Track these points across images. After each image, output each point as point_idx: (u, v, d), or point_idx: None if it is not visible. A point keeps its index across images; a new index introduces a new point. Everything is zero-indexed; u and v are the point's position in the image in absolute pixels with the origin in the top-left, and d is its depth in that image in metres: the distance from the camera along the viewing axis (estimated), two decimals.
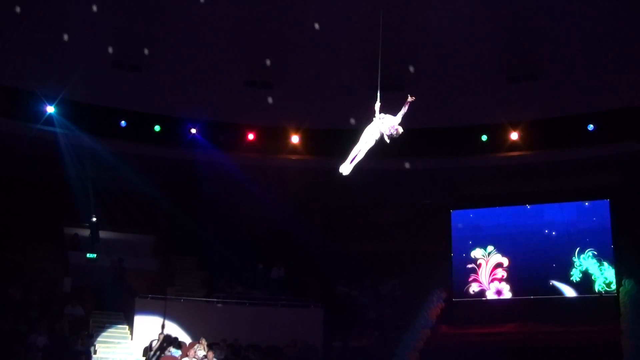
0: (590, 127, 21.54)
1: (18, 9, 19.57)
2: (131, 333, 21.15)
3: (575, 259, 22.30)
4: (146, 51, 21.51)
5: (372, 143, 11.19)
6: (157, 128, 22.46)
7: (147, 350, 20.56)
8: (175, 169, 23.26)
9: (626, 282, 21.15)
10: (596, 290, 21.97)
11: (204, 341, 18.12)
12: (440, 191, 23.98)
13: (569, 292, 22.33)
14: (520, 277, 22.87)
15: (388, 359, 20.01)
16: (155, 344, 20.57)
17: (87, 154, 21.70)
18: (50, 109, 21.06)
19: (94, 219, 23.57)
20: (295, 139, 22.93)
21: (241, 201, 23.59)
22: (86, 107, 21.55)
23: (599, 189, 22.43)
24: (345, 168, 11.28)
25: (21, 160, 21.99)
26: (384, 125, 11.09)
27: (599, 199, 22.47)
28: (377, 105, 11.27)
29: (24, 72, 20.39)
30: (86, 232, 23.83)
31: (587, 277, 22.14)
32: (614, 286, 21.78)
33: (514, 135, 22.10)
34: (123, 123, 22.19)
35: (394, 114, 11.18)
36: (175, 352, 20.32)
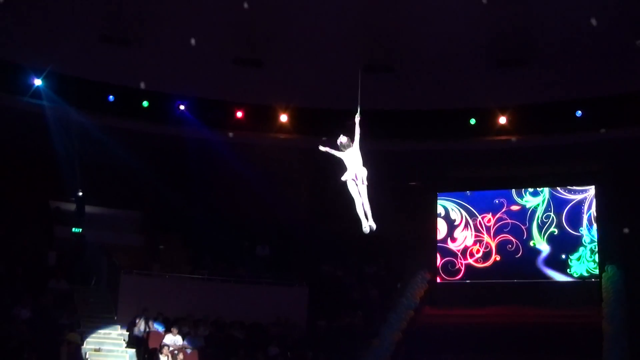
0: (579, 113, 21.65)
1: None
2: (116, 308, 21.16)
3: (572, 257, 22.48)
4: (136, 26, 21.37)
5: (362, 190, 11.26)
6: (145, 104, 22.37)
7: (131, 325, 20.59)
8: (162, 146, 23.20)
9: (609, 268, 21.36)
10: (579, 274, 22.19)
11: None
12: (428, 174, 24.07)
13: (553, 276, 22.52)
14: (504, 260, 23.05)
15: (372, 339, 20.14)
16: (139, 319, 20.61)
17: (74, 128, 21.59)
18: (38, 82, 20.93)
19: (80, 194, 23.49)
20: (283, 117, 22.91)
21: (228, 179, 23.58)
22: (74, 80, 21.42)
23: (585, 174, 22.60)
24: (367, 227, 11.34)
25: (7, 133, 21.86)
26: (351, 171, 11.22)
27: (585, 185, 22.63)
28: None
29: (11, 44, 20.24)
30: (72, 207, 23.75)
31: (571, 261, 22.34)
32: (596, 271, 21.99)
33: (503, 120, 22.19)
34: (111, 98, 22.10)
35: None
36: (160, 326, 20.42)
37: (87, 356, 18.60)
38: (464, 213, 23.72)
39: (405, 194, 24.78)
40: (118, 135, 21.67)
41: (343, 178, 11.34)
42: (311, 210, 24.80)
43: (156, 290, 21.38)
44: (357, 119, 11.36)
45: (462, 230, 23.62)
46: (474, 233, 23.45)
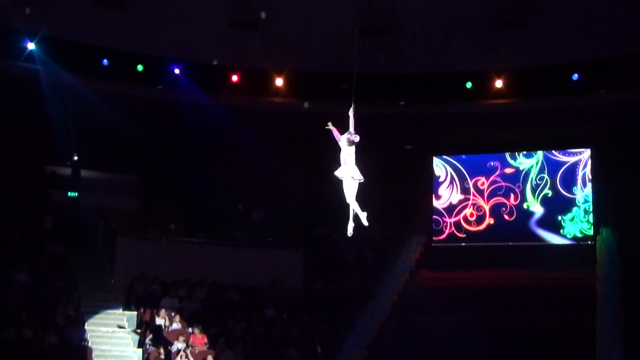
0: (575, 76, 21.60)
1: None
2: (112, 272, 21.25)
3: (565, 217, 22.60)
4: None
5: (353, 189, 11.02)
6: (139, 68, 22.24)
7: (128, 289, 20.71)
8: (157, 110, 23.11)
9: (603, 231, 21.47)
10: (572, 235, 22.31)
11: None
12: (423, 137, 24.07)
13: (547, 237, 22.66)
14: (499, 223, 23.15)
15: (367, 301, 20.29)
16: (136, 283, 20.73)
17: (69, 92, 21.49)
18: (31, 46, 20.77)
19: (76, 158, 23.45)
20: (279, 81, 22.82)
21: (223, 143, 23.55)
22: (68, 44, 21.26)
23: (581, 137, 22.62)
24: (364, 220, 11.15)
25: (1, 97, 21.74)
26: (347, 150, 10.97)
27: (581, 148, 22.67)
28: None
29: (4, 7, 20.04)
30: (67, 171, 23.73)
31: (564, 222, 22.45)
32: (590, 232, 22.10)
33: (499, 83, 22.15)
34: (105, 62, 21.95)
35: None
36: (157, 289, 20.55)
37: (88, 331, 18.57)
38: (449, 170, 23.74)
39: (400, 158, 24.82)
40: (113, 99, 21.57)
41: (337, 173, 11.05)
42: (307, 174, 24.82)
43: (152, 254, 21.46)
44: (352, 112, 11.12)
45: (447, 188, 23.68)
46: (468, 196, 23.50)
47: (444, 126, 23.60)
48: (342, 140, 10.93)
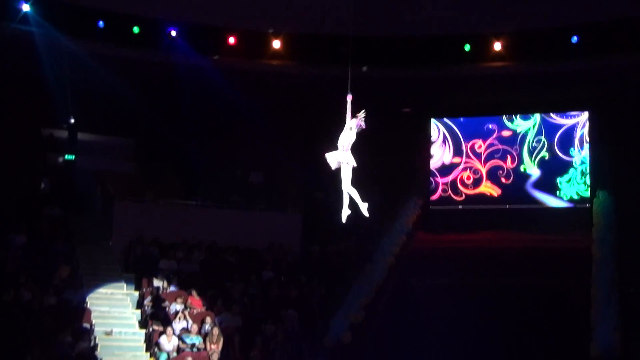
0: (574, 39, 21.49)
1: None
2: (110, 235, 21.31)
3: (561, 179, 22.65)
4: None
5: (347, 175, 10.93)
6: (135, 30, 22.08)
7: (126, 251, 20.78)
8: (154, 72, 22.99)
9: (600, 194, 21.53)
10: (568, 197, 22.35)
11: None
12: (422, 100, 24.01)
13: (543, 199, 22.70)
14: (496, 185, 23.18)
15: (365, 264, 20.39)
16: (134, 245, 20.79)
17: (65, 54, 21.35)
18: (26, 8, 20.59)
19: (72, 121, 23.39)
20: (276, 44, 22.68)
21: (220, 106, 23.45)
22: (63, 6, 21.07)
23: (580, 100, 22.58)
24: (364, 210, 11.11)
25: None
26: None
27: (579, 111, 22.64)
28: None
29: None
30: (64, 134, 23.68)
31: (561, 184, 22.49)
32: (586, 193, 22.15)
33: (498, 46, 22.03)
34: (101, 24, 21.78)
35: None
36: (155, 251, 20.63)
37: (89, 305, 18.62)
38: (442, 129, 23.71)
39: (399, 121, 24.78)
40: (109, 62, 21.45)
41: (328, 158, 10.97)
42: (305, 137, 24.77)
43: (150, 216, 21.50)
44: (349, 98, 10.96)
45: (439, 147, 23.67)
46: (466, 159, 23.49)
47: (442, 89, 23.53)
48: (352, 123, 10.73)
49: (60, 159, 23.11)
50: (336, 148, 10.97)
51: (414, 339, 18.68)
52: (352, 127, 10.80)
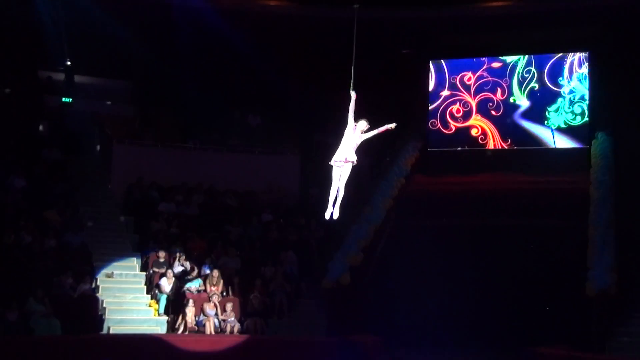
0: None
1: None
2: (109, 178, 21.34)
3: (550, 109, 22.59)
4: None
5: (345, 172, 10.89)
6: None
7: (125, 194, 20.85)
8: (152, 14, 22.68)
9: (599, 135, 21.49)
10: (556, 126, 22.38)
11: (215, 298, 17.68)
12: (420, 41, 23.79)
13: (532, 129, 22.64)
14: (495, 127, 23.14)
15: (363, 206, 20.46)
16: (133, 188, 20.85)
17: None
18: None
19: (68, 63, 23.20)
20: None
21: (219, 47, 23.22)
22: None
23: (579, 41, 22.38)
24: (329, 213, 11.07)
25: None
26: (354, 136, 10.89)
27: (578, 51, 22.46)
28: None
29: None
30: (61, 77, 23.52)
31: (549, 113, 22.54)
32: (574, 122, 22.12)
33: None
34: None
35: None
36: (154, 194, 20.70)
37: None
38: (455, 80, 23.53)
39: (397, 63, 24.59)
40: (105, 2, 21.14)
41: (331, 162, 10.98)
42: (303, 79, 24.61)
43: (149, 159, 21.54)
44: (353, 95, 10.90)
45: (454, 98, 23.51)
46: (465, 101, 23.38)
47: (441, 30, 23.28)
48: (354, 125, 10.84)
49: (58, 102, 22.95)
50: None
51: (412, 281, 18.88)
52: (359, 129, 10.87)
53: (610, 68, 21.95)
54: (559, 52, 22.62)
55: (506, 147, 23.03)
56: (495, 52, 23.20)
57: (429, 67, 23.81)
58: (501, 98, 23.08)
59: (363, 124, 11.03)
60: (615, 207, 18.31)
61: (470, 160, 23.03)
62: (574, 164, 21.52)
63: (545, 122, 22.64)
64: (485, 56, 23.25)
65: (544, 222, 19.43)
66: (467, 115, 23.41)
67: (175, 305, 17.54)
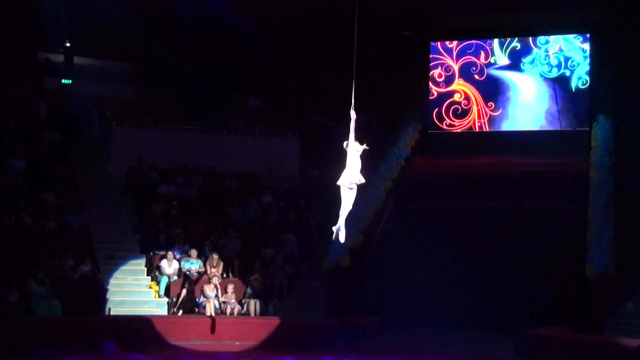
0: None
1: None
2: (109, 160, 21.33)
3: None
4: None
5: (352, 194, 10.81)
6: None
7: (125, 176, 20.84)
8: None
9: (600, 117, 21.44)
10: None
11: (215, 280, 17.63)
12: (420, 23, 23.70)
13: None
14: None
15: (363, 188, 20.45)
16: (133, 170, 20.84)
17: None
18: None
19: (68, 44, 23.13)
20: None
21: (218, 29, 23.15)
22: None
23: (581, 23, 22.29)
24: (336, 235, 11.01)
25: None
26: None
27: (579, 33, 22.39)
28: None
29: None
30: (60, 58, 23.45)
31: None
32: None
33: None
34: None
35: None
36: (154, 176, 20.69)
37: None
38: (455, 62, 23.44)
39: (398, 44, 24.53)
40: None
41: (339, 182, 10.93)
42: (303, 61, 24.56)
43: (148, 141, 21.50)
44: (353, 115, 10.82)
45: (454, 80, 23.42)
46: (465, 82, 23.29)
47: (441, 11, 23.20)
48: (352, 145, 10.77)
49: (58, 83, 22.90)
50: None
51: (412, 263, 18.94)
52: (357, 149, 10.80)
53: (612, 50, 21.88)
54: (560, 34, 22.52)
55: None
56: (495, 34, 23.10)
57: (429, 49, 23.71)
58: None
59: (357, 145, 10.91)
60: (615, 189, 18.33)
61: (470, 143, 22.99)
62: (574, 146, 21.50)
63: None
64: (485, 38, 23.14)
65: (543, 204, 19.46)
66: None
67: (176, 287, 17.58)
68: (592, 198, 18.06)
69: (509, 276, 18.31)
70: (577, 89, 22.23)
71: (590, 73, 22.20)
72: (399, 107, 23.56)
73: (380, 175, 20.76)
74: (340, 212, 11.01)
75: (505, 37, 22.96)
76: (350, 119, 10.97)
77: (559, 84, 22.33)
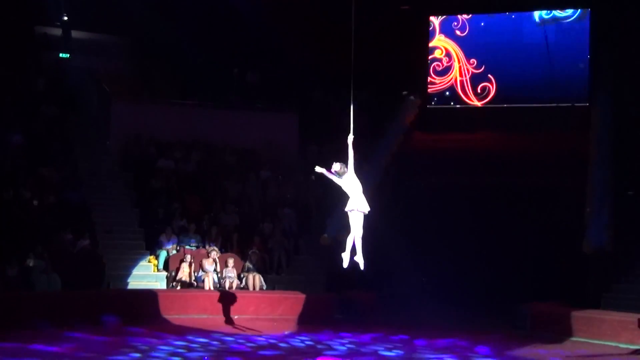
0: None
1: None
2: (108, 134, 21.29)
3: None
4: None
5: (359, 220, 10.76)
6: None
7: (124, 151, 20.82)
8: None
9: (600, 94, 21.36)
10: None
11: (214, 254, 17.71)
12: None
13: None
14: (494, 84, 23.02)
15: (361, 164, 20.45)
16: (131, 145, 20.83)
17: None
18: None
19: (65, 18, 22.99)
20: None
21: (217, 4, 23.03)
22: None
23: None
24: (346, 262, 10.97)
25: None
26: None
27: (579, 8, 22.26)
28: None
29: None
30: (58, 32, 23.32)
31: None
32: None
33: None
34: None
35: None
36: (152, 151, 20.67)
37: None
38: (455, 36, 23.32)
39: (396, 19, 24.38)
40: None
41: (346, 209, 10.87)
42: (302, 36, 24.42)
43: (147, 116, 21.44)
44: (350, 139, 10.74)
45: (453, 54, 23.36)
46: (464, 56, 23.20)
47: None
48: (335, 176, 10.74)
49: (55, 58, 22.79)
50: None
51: (410, 238, 18.98)
52: (337, 175, 10.78)
53: (612, 27, 21.78)
54: (562, 8, 22.37)
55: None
56: (494, 9, 22.95)
57: (428, 23, 23.59)
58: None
59: (337, 166, 10.89)
60: (614, 167, 18.33)
61: (469, 118, 22.95)
62: (574, 122, 21.46)
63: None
64: (484, 12, 22.97)
65: (542, 180, 19.48)
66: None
67: (174, 261, 17.64)
68: (591, 175, 18.08)
69: (508, 251, 18.38)
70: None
71: (591, 49, 22.09)
72: (398, 81, 23.49)
73: (379, 150, 20.75)
74: (348, 239, 11.01)
75: (503, 11, 22.81)
76: (347, 145, 10.98)
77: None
